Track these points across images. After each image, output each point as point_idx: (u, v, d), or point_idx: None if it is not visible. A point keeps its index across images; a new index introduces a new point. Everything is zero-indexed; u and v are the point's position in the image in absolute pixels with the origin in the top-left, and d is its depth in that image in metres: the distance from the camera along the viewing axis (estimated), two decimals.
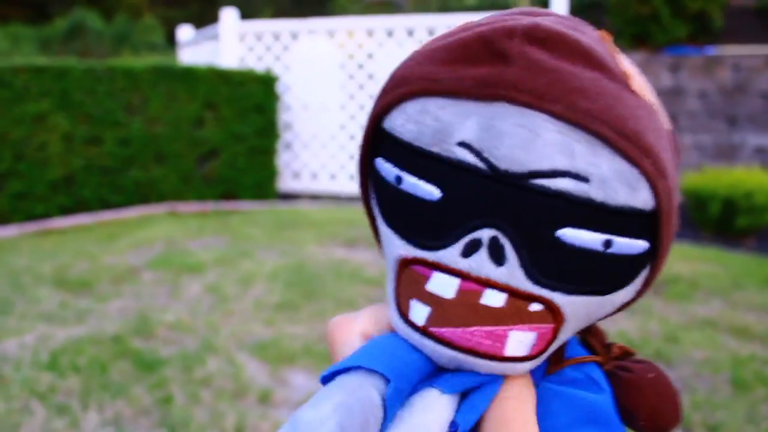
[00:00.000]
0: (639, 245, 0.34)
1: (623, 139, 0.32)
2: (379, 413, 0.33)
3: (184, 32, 7.73)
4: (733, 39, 9.02)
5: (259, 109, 5.67)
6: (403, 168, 0.35)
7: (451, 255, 0.34)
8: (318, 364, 2.25)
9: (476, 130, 0.33)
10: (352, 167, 6.07)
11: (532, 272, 0.33)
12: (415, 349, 0.37)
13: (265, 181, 5.76)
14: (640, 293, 0.38)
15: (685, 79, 7.58)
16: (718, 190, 4.76)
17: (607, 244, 0.33)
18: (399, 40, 5.89)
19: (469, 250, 0.33)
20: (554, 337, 0.35)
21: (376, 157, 0.38)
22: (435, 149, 0.34)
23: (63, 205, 4.85)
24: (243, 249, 3.77)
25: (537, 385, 0.37)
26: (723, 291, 3.20)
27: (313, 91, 6.12)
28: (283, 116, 6.11)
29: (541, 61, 0.32)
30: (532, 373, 0.38)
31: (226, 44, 6.17)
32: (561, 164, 0.32)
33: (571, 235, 0.32)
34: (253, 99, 5.61)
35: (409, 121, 0.35)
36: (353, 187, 6.01)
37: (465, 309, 0.34)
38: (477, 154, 0.33)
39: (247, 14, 7.85)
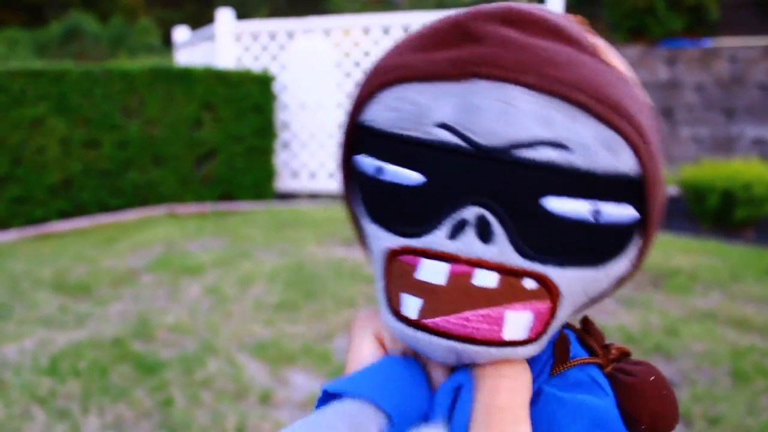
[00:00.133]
0: (627, 213, 0.34)
1: (601, 105, 0.32)
2: None
3: (180, 33, 7.73)
4: (729, 31, 9.02)
5: (257, 109, 5.67)
6: (383, 158, 0.35)
7: (438, 238, 0.33)
8: (318, 363, 2.25)
9: (454, 109, 0.33)
10: None
11: (521, 246, 0.33)
12: (417, 381, 0.36)
13: (264, 181, 5.76)
14: (635, 267, 0.37)
15: (681, 71, 7.57)
16: (716, 183, 4.76)
17: (595, 212, 0.33)
18: (395, 37, 5.87)
19: (456, 231, 0.33)
20: (552, 317, 0.34)
21: (356, 154, 0.38)
22: (414, 134, 0.34)
23: (62, 209, 4.85)
24: (242, 249, 3.78)
25: (540, 391, 0.36)
26: (722, 283, 3.20)
27: (310, 90, 6.11)
28: (281, 116, 6.10)
29: (513, 38, 0.33)
30: (538, 375, 0.37)
31: (223, 45, 6.17)
32: (540, 134, 0.32)
33: (556, 204, 0.32)
34: (250, 99, 5.61)
35: (387, 110, 0.35)
36: None
37: (458, 294, 0.33)
38: (456, 132, 0.33)
39: (242, 14, 7.84)
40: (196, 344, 2.41)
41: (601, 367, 0.39)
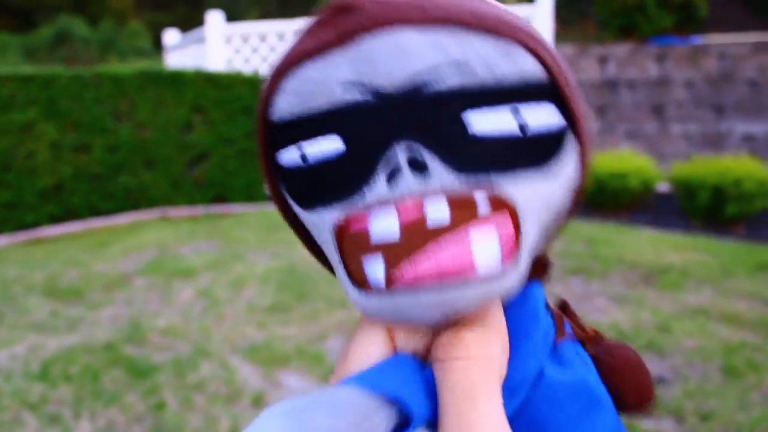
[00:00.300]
0: (551, 119, 0.34)
1: (486, 20, 0.33)
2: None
3: (171, 36, 7.71)
4: (718, 28, 9.06)
5: (248, 111, 5.66)
6: (301, 142, 0.35)
7: (377, 193, 0.33)
8: (311, 365, 2.25)
9: (350, 69, 0.33)
10: None
11: (457, 164, 0.32)
12: (430, 382, 0.35)
13: (256, 183, 5.75)
14: (582, 175, 0.36)
15: (671, 68, 7.61)
16: (706, 179, 4.77)
17: (521, 125, 0.33)
18: None
19: (392, 178, 0.32)
20: (518, 234, 0.33)
21: (276, 153, 0.37)
22: (322, 106, 0.34)
23: (53, 214, 4.83)
24: (234, 252, 3.77)
25: (542, 370, 0.36)
26: (714, 279, 3.22)
27: None
28: None
29: None
30: (541, 348, 0.36)
31: (213, 47, 6.16)
32: (437, 59, 0.32)
33: (478, 119, 0.32)
34: (241, 101, 5.60)
35: (291, 96, 0.35)
36: None
37: (416, 241, 0.32)
38: (359, 87, 0.33)
39: (233, 17, 7.83)
40: (188, 347, 2.40)
41: (583, 344, 0.40)
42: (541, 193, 0.34)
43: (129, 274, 3.39)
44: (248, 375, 2.19)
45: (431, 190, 0.32)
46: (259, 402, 2.00)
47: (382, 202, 0.33)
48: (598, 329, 0.41)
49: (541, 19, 5.59)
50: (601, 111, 7.58)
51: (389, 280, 0.33)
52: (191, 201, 5.43)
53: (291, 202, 0.38)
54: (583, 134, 0.35)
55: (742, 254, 3.75)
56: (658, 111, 7.61)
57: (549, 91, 0.34)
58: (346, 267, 0.35)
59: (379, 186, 0.33)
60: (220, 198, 5.57)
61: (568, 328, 0.40)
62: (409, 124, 0.32)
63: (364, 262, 0.34)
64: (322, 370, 2.23)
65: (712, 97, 7.50)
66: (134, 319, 2.68)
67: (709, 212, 4.83)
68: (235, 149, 5.59)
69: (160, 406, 1.97)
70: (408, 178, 0.32)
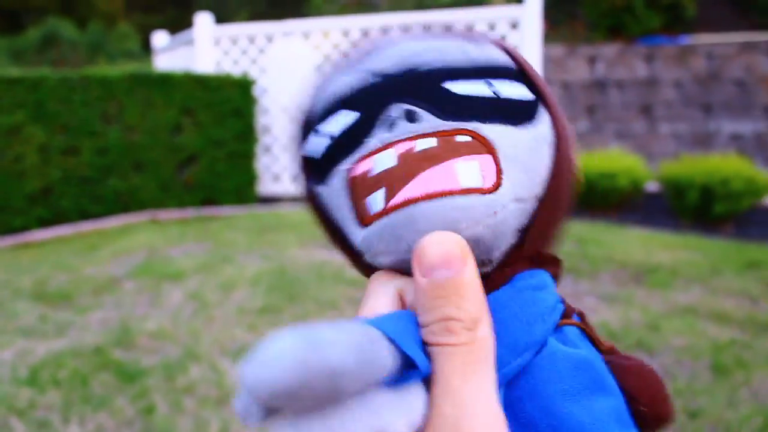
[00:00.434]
0: (521, 92, 0.40)
1: (459, 30, 0.43)
2: (386, 372, 0.31)
3: (159, 38, 7.68)
4: (706, 28, 9.11)
5: (237, 114, 5.65)
6: (318, 126, 0.42)
7: (379, 137, 0.39)
8: None
9: (361, 67, 0.41)
10: None
11: (442, 113, 0.38)
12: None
13: (246, 186, 5.74)
14: (559, 136, 0.41)
15: (660, 68, 7.64)
16: (695, 178, 4.80)
17: (494, 91, 0.39)
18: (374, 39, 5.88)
19: (391, 126, 0.38)
20: (498, 166, 0.38)
21: (305, 146, 0.44)
22: (336, 92, 0.42)
23: (41, 218, 4.81)
24: (224, 254, 3.76)
25: (546, 342, 0.37)
26: (702, 278, 3.24)
27: (291, 94, 6.10)
28: (261, 119, 6.09)
29: None
30: (546, 320, 0.37)
31: (202, 49, 6.14)
32: (422, 47, 0.40)
33: (455, 86, 0.39)
34: (230, 103, 5.59)
35: (312, 97, 0.44)
36: None
37: (409, 165, 0.37)
38: (368, 72, 0.41)
39: (222, 18, 7.81)
40: (178, 351, 2.39)
41: (593, 343, 0.40)
42: (516, 139, 0.39)
43: (118, 277, 3.37)
44: (238, 378, 2.18)
45: (422, 130, 0.38)
46: None
47: (384, 144, 0.38)
48: (613, 344, 0.41)
49: (530, 20, 5.60)
50: (590, 111, 7.61)
51: (388, 203, 0.38)
52: (181, 204, 5.41)
53: (315, 188, 0.43)
54: (551, 105, 0.41)
55: (730, 253, 3.78)
56: (646, 111, 7.65)
57: (516, 75, 0.41)
58: (354, 208, 0.40)
59: (380, 133, 0.39)
60: (210, 200, 5.55)
61: (576, 321, 0.40)
62: (402, 90, 0.39)
63: (368, 199, 0.39)
64: None
65: (701, 96, 7.54)
66: (123, 323, 2.67)
67: (697, 211, 4.86)
68: (225, 151, 5.57)
69: (149, 410, 1.96)
70: (404, 125, 0.38)
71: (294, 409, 0.29)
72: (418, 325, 0.35)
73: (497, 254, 0.38)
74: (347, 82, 0.41)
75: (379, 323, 0.33)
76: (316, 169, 0.43)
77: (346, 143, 0.40)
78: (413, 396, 0.33)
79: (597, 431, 0.34)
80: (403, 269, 0.38)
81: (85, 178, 4.99)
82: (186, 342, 2.47)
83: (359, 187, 0.39)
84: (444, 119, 0.38)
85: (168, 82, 5.33)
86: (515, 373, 0.36)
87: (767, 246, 4.04)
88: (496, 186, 0.37)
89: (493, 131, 0.38)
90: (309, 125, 0.44)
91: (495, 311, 0.37)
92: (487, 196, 0.37)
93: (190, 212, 5.26)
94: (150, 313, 2.80)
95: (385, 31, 5.86)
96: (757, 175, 4.80)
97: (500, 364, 0.35)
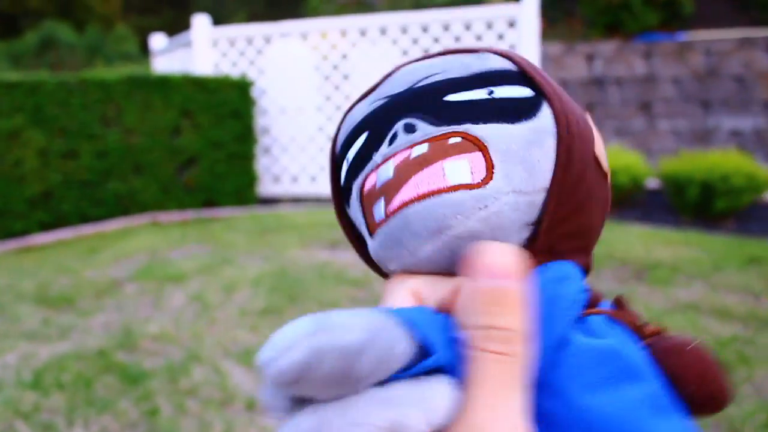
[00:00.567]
0: (517, 90, 0.41)
1: (468, 48, 0.45)
2: (402, 359, 0.32)
3: (157, 41, 7.68)
4: (703, 24, 9.12)
5: (236, 115, 5.65)
6: (347, 153, 0.45)
7: (381, 151, 0.41)
8: None
9: (378, 94, 0.44)
10: None
11: (439, 122, 0.40)
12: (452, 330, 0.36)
13: (246, 187, 5.74)
14: (564, 130, 0.40)
15: (658, 65, 7.65)
16: (695, 175, 4.81)
17: (489, 92, 0.40)
18: (372, 39, 5.89)
19: (392, 140, 0.41)
20: (489, 162, 0.38)
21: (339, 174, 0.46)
22: (357, 118, 0.44)
23: (42, 221, 4.81)
24: (225, 256, 3.76)
25: (566, 334, 0.36)
26: (704, 274, 3.24)
27: (289, 94, 6.10)
28: (260, 121, 6.09)
29: None
30: (568, 310, 0.37)
31: (200, 51, 6.14)
32: (429, 69, 0.43)
33: (455, 97, 0.41)
34: (229, 105, 5.59)
35: (342, 130, 0.46)
36: None
37: (403, 172, 0.39)
38: (381, 97, 0.44)
39: (220, 19, 7.81)
40: (180, 353, 2.39)
41: (634, 330, 0.38)
42: (511, 135, 0.39)
43: (120, 280, 3.37)
44: (241, 379, 2.18)
45: (417, 139, 0.40)
46: (252, 406, 2.00)
47: (385, 158, 0.40)
48: (662, 327, 0.39)
49: (527, 18, 5.60)
50: (589, 108, 7.61)
51: (386, 211, 0.39)
52: (181, 206, 5.41)
53: (348, 210, 0.45)
54: (552, 99, 0.41)
55: (731, 248, 3.78)
56: (645, 107, 7.65)
57: (517, 77, 0.42)
58: (366, 223, 0.42)
59: (383, 147, 0.41)
60: (210, 202, 5.56)
61: (605, 308, 0.39)
62: (406, 107, 0.41)
63: (374, 210, 0.41)
64: None
65: (699, 93, 7.54)
66: (126, 326, 2.67)
67: (698, 207, 4.86)
68: (224, 153, 5.58)
69: (153, 413, 1.96)
70: (402, 137, 0.40)
71: (311, 393, 0.30)
72: (443, 322, 0.35)
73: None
74: (363, 110, 0.44)
75: (397, 312, 0.34)
76: (343, 192, 0.45)
77: (360, 162, 0.43)
78: (436, 392, 0.32)
79: (625, 421, 0.34)
80: (414, 271, 0.40)
81: (85, 182, 4.99)
82: (188, 344, 2.47)
83: (367, 201, 0.41)
84: (438, 126, 0.40)
85: (166, 84, 5.33)
86: (539, 374, 0.35)
87: None
88: (487, 180, 0.38)
89: (484, 130, 0.39)
90: (337, 156, 0.46)
91: None
92: (476, 191, 0.37)
93: (190, 214, 5.26)
94: (152, 316, 2.80)
95: (383, 31, 5.87)
96: (757, 171, 4.80)
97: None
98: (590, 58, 7.82)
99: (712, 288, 3.03)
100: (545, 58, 7.66)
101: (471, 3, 8.85)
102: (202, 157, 5.49)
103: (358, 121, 0.44)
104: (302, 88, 6.09)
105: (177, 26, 10.05)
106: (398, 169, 0.39)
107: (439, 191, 0.37)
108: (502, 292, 0.34)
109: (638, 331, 0.38)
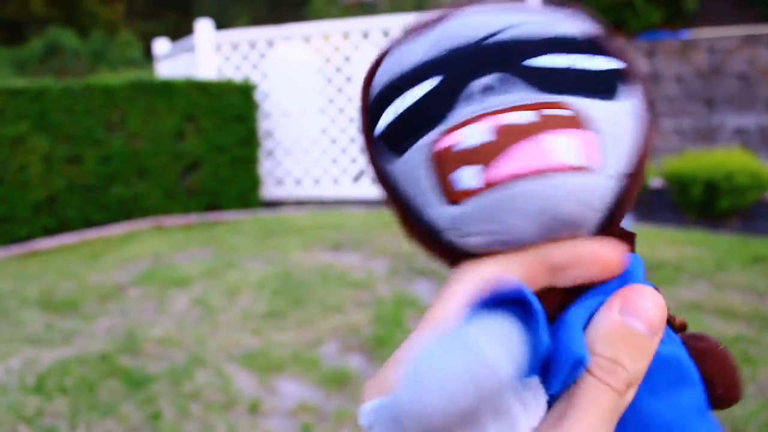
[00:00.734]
0: (604, 62, 0.38)
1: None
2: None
3: (161, 46, 7.71)
4: (707, 22, 9.09)
5: (239, 119, 5.66)
6: (396, 98, 0.39)
7: (470, 107, 0.36)
8: (306, 370, 2.25)
9: (437, 36, 0.39)
10: (336, 171, 6.08)
11: (536, 87, 0.36)
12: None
13: (249, 190, 5.75)
14: (649, 106, 0.39)
15: (661, 63, 7.63)
16: (699, 173, 4.79)
17: (573, 58, 0.38)
18: (375, 41, 5.89)
19: (482, 94, 0.36)
20: (596, 142, 0.36)
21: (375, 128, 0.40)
22: (418, 59, 0.39)
23: (46, 226, 4.82)
24: (229, 259, 3.77)
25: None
26: (708, 273, 3.23)
27: (292, 98, 6.11)
28: (264, 124, 6.10)
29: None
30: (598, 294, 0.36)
31: (203, 55, 6.16)
32: (509, 20, 0.39)
33: (539, 60, 0.37)
34: (232, 109, 5.60)
35: (387, 67, 0.40)
36: (337, 191, 6.02)
37: (505, 139, 0.35)
38: (455, 38, 0.39)
39: (223, 24, 7.83)
40: (184, 356, 2.40)
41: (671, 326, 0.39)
42: (609, 113, 0.37)
43: (124, 284, 3.38)
44: (244, 382, 2.18)
45: (517, 102, 0.36)
46: (255, 409, 2.00)
47: (475, 116, 0.36)
48: (684, 321, 0.40)
49: None
50: None
51: (486, 180, 0.35)
52: (185, 210, 5.42)
53: (387, 165, 0.40)
54: (640, 77, 0.40)
55: (736, 247, 3.77)
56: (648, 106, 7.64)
57: (600, 46, 0.39)
58: (441, 187, 0.36)
59: (467, 106, 0.36)
60: (214, 206, 5.57)
61: None
62: (486, 61, 0.37)
63: (456, 175, 0.36)
64: (318, 375, 2.22)
65: (703, 91, 7.52)
66: (129, 330, 2.67)
67: (702, 206, 4.85)
68: (228, 157, 5.59)
69: (156, 416, 1.97)
70: (496, 94, 0.36)
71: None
72: (544, 321, 0.33)
73: (584, 234, 0.37)
74: (425, 50, 0.39)
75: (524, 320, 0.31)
76: (388, 144, 0.40)
77: (425, 115, 0.38)
78: (538, 408, 0.32)
79: (683, 427, 0.34)
80: (493, 250, 0.36)
81: (89, 187, 5.01)
82: (192, 348, 2.47)
83: (445, 162, 0.36)
84: (538, 91, 0.36)
85: (170, 89, 5.34)
86: None
87: None
88: (594, 162, 0.35)
89: (589, 105, 0.36)
90: (379, 100, 0.40)
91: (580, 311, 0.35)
92: (586, 174, 0.35)
93: (194, 218, 5.28)
94: (156, 320, 2.81)
95: (385, 33, 5.87)
96: (761, 169, 4.79)
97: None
98: None
99: (716, 287, 3.02)
100: None
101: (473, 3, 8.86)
102: (205, 161, 5.51)
103: (423, 61, 0.38)
104: (305, 91, 6.10)
105: (180, 31, 10.07)
106: (500, 135, 0.35)
107: (551, 169, 0.34)
108: (647, 342, 0.34)
109: (670, 322, 0.38)
